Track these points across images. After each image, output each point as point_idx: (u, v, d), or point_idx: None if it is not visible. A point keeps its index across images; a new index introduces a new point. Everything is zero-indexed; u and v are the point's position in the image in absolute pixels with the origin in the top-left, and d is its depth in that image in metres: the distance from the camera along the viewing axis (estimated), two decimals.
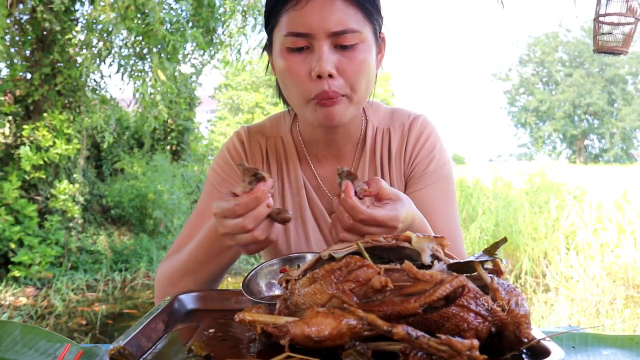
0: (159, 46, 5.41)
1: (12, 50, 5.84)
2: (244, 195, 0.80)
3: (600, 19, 2.83)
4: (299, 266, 0.81)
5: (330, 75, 0.92)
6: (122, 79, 6.02)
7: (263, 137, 1.16)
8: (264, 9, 1.03)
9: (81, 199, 6.32)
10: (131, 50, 5.89)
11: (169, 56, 5.52)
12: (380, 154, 1.12)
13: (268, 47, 1.05)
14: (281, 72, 0.98)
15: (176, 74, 6.00)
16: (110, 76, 7.54)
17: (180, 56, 5.89)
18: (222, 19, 6.17)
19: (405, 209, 0.83)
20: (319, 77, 0.92)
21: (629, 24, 2.79)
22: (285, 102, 1.11)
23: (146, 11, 5.10)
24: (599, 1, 2.84)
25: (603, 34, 2.84)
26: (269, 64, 1.09)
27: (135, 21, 5.28)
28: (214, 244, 0.94)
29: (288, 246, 1.14)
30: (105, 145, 6.32)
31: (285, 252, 1.15)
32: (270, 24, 1.00)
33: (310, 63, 0.93)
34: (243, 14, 6.11)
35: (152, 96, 5.80)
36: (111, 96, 6.39)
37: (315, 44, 0.92)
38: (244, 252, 0.88)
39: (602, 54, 2.94)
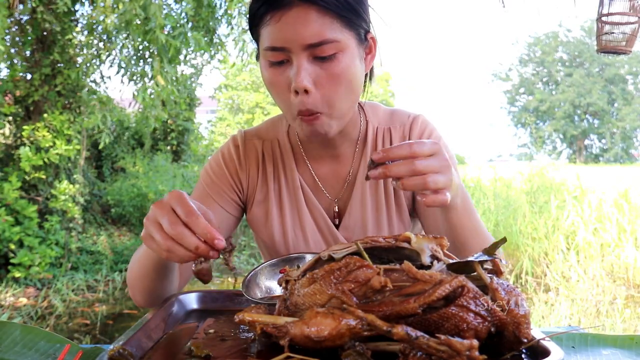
0: (162, 49, 5.39)
1: (12, 50, 5.84)
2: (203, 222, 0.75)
3: (603, 18, 2.82)
4: (298, 266, 0.81)
5: (306, 91, 0.92)
6: (121, 81, 6.02)
7: (259, 140, 1.17)
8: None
9: (81, 200, 6.32)
10: (132, 52, 5.88)
11: (170, 59, 5.51)
12: None
13: (258, 56, 1.06)
14: (267, 84, 1.00)
15: (177, 76, 5.98)
16: (110, 78, 7.57)
17: (181, 57, 5.87)
18: (223, 19, 6.17)
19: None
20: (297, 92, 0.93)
21: (632, 23, 2.79)
22: None
23: (149, 16, 5.08)
24: (602, 1, 2.83)
25: (606, 33, 2.83)
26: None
27: (136, 22, 5.27)
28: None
29: (286, 247, 1.14)
30: (101, 146, 6.32)
31: (283, 253, 1.14)
32: (255, 35, 1.01)
33: (289, 77, 0.93)
34: (245, 13, 6.10)
35: (152, 96, 5.79)
36: (108, 97, 6.38)
37: (293, 57, 0.92)
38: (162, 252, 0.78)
39: (606, 54, 2.93)
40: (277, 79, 0.95)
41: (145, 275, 0.97)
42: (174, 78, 5.84)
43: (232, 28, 6.19)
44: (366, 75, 1.06)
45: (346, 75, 0.94)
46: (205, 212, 0.78)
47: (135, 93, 5.76)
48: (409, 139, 1.12)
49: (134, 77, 5.87)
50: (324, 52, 0.91)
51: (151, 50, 5.56)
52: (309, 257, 0.92)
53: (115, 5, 5.40)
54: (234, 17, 6.13)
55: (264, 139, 1.17)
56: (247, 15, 1.01)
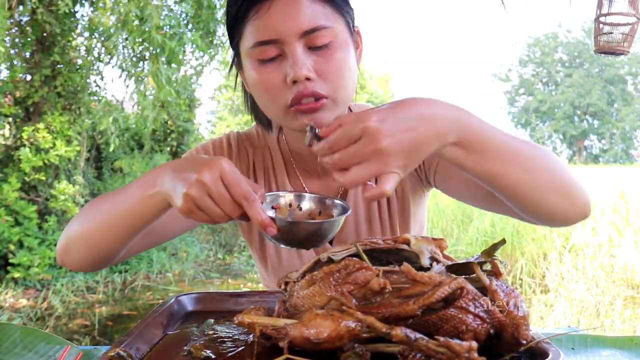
0: (157, 50, 5.39)
1: (12, 52, 5.84)
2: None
3: (601, 18, 2.82)
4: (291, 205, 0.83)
5: (308, 79, 0.84)
6: (125, 83, 5.99)
7: (251, 148, 1.13)
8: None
9: (81, 200, 6.31)
10: (131, 52, 5.88)
11: (167, 60, 5.50)
12: None
13: (237, 63, 0.98)
14: (254, 86, 0.92)
15: (175, 76, 5.96)
16: (112, 80, 7.56)
17: (180, 58, 5.86)
18: (223, 20, 6.18)
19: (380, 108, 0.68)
20: (295, 82, 0.85)
21: (629, 24, 2.79)
22: (257, 118, 1.07)
23: (145, 17, 5.08)
24: (600, 1, 2.83)
25: (604, 33, 2.83)
26: (237, 80, 1.05)
27: (134, 23, 5.28)
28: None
29: (279, 258, 1.11)
30: (112, 149, 6.30)
31: (275, 263, 1.11)
32: (234, 39, 0.93)
33: (284, 70, 0.86)
34: None
35: (149, 97, 5.79)
36: (116, 99, 6.38)
37: (287, 49, 0.85)
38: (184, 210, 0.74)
39: (603, 54, 2.93)
40: (268, 76, 0.87)
41: (111, 230, 0.85)
42: (172, 79, 5.82)
43: None
44: None
45: (345, 62, 0.89)
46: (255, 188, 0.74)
47: (135, 95, 5.76)
48: None
49: (132, 78, 5.86)
50: (318, 40, 0.85)
51: (151, 51, 5.56)
52: (307, 196, 0.87)
53: (116, 6, 5.40)
54: None
55: (256, 147, 1.12)
56: (225, 22, 0.93)
